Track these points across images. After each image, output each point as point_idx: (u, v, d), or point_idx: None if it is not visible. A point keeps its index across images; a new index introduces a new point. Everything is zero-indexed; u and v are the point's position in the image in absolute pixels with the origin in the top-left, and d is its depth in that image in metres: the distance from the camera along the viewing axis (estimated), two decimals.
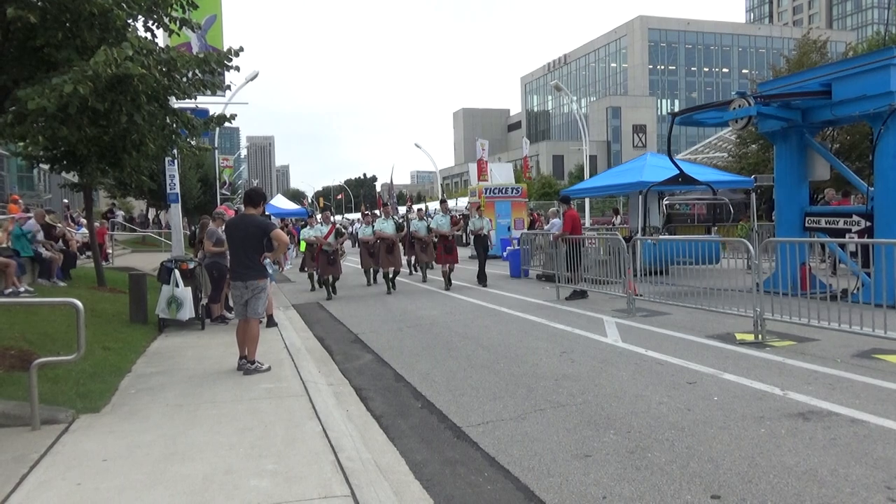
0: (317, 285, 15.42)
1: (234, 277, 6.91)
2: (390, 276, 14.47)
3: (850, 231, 10.49)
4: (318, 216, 16.07)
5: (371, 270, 16.13)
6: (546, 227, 18.24)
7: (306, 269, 16.60)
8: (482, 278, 14.91)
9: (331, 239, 13.91)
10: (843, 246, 10.77)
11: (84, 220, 18.38)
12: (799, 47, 27.55)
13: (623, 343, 7.88)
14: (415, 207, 21.91)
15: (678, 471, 4.02)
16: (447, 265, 14.58)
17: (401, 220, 15.90)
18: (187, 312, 9.10)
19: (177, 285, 9.03)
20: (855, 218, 10.53)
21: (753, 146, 26.03)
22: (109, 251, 21.13)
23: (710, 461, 4.14)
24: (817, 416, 4.89)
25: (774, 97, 11.22)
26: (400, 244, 14.93)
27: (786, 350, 7.16)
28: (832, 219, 11.12)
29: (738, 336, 7.92)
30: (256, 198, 7.12)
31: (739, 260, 10.64)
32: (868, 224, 10.15)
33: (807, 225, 11.38)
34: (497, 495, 3.86)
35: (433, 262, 15.82)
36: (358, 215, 31.69)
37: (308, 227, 15.79)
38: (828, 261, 13.10)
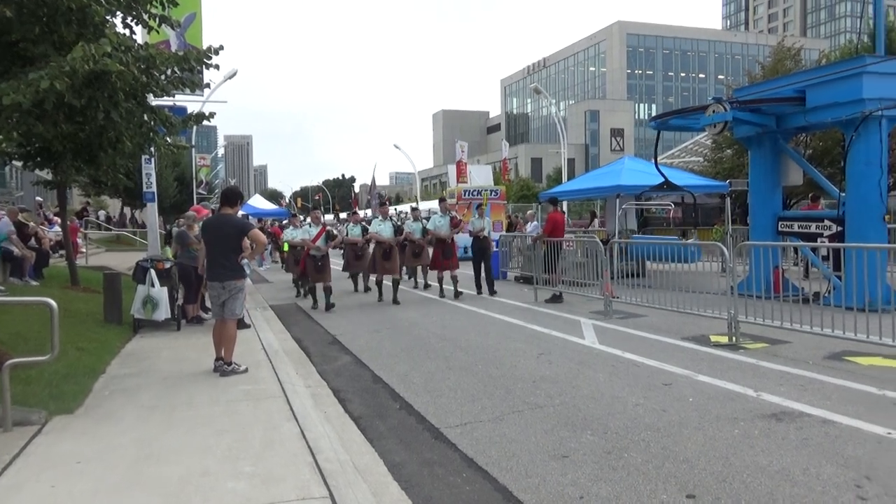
0: (305, 292, 14.08)
1: (210, 278, 6.84)
2: (386, 282, 12.87)
3: (821, 235, 10.70)
4: (307, 217, 15.40)
5: (359, 276, 14.90)
6: (528, 230, 18.34)
7: (292, 273, 15.19)
8: (490, 285, 13.29)
9: (320, 242, 12.22)
10: (815, 250, 10.98)
11: (57, 219, 18.06)
12: (774, 54, 27.99)
13: (600, 345, 7.95)
14: (409, 206, 20.97)
15: (654, 471, 4.08)
16: (445, 272, 13.08)
17: (399, 223, 14.15)
18: (163, 313, 8.98)
19: (152, 285, 8.92)
20: (827, 222, 10.74)
21: (728, 151, 26.38)
22: (83, 250, 20.82)
23: (686, 461, 4.20)
24: (790, 417, 4.99)
25: (749, 103, 11.41)
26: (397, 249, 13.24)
27: (759, 352, 7.29)
28: (805, 223, 11.34)
29: (713, 338, 8.03)
30: (233, 197, 7.05)
31: (714, 263, 10.80)
32: (839, 228, 10.36)
33: (780, 229, 11.58)
34: (475, 496, 3.87)
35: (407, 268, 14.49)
36: (330, 216, 31.10)
37: (292, 227, 14.77)
38: (800, 264, 13.34)
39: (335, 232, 13.19)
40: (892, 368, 6.33)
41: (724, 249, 8.45)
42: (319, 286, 12.23)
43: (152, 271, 8.98)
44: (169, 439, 4.67)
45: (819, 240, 10.71)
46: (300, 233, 13.47)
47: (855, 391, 5.63)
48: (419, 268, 14.89)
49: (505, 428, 4.99)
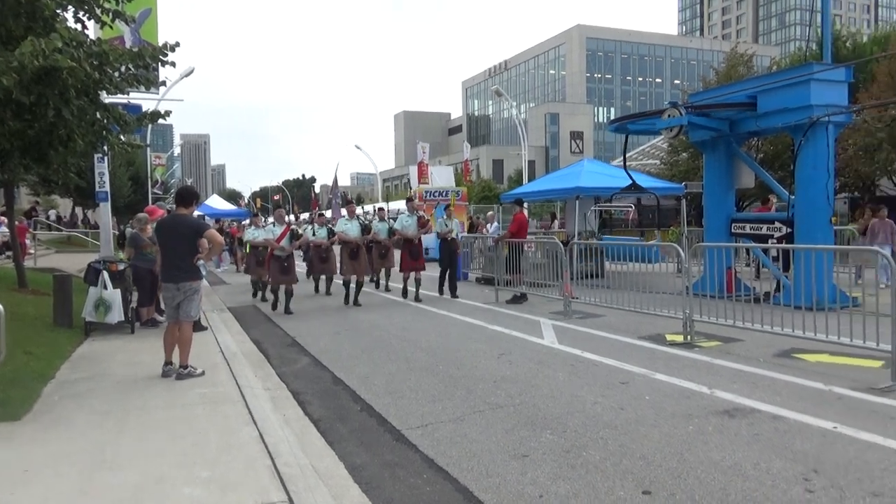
0: (263, 294, 13.65)
1: (165, 279, 6.68)
2: (352, 285, 12.36)
3: (772, 237, 11.03)
4: (270, 217, 15.16)
5: (322, 278, 14.52)
6: (490, 231, 18.43)
7: (251, 274, 14.56)
8: (452, 288, 13.05)
9: (285, 242, 11.80)
10: (766, 251, 11.31)
11: (3, 219, 17.46)
12: (727, 60, 28.79)
13: (559, 345, 8.05)
14: (375, 206, 20.47)
15: (612, 468, 4.15)
16: (412, 273, 12.73)
17: (367, 222, 13.72)
18: (116, 316, 8.76)
19: (105, 287, 8.69)
20: (777, 224, 11.08)
21: (684, 154, 27.03)
22: (32, 251, 20.15)
23: (642, 458, 4.29)
24: (742, 413, 5.13)
25: (704, 108, 11.70)
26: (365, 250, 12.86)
27: (713, 350, 7.47)
28: (756, 225, 11.67)
29: (669, 337, 8.21)
30: (189, 197, 6.92)
31: (670, 264, 11.03)
32: (789, 230, 10.70)
33: (733, 231, 11.90)
34: (436, 497, 3.88)
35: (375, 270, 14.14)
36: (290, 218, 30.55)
37: (253, 227, 14.25)
38: (752, 265, 13.73)
39: (300, 231, 12.89)
40: (838, 365, 6.57)
41: (680, 250, 8.65)
42: (282, 288, 11.83)
43: (105, 273, 8.76)
44: (123, 445, 4.56)
45: (770, 241, 11.04)
46: (263, 233, 13.00)
47: (803, 387, 5.82)
48: (382, 270, 14.52)
49: (466, 428, 5.01)
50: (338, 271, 13.05)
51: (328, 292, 14.35)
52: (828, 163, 10.43)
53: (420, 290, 12.63)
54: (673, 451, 4.39)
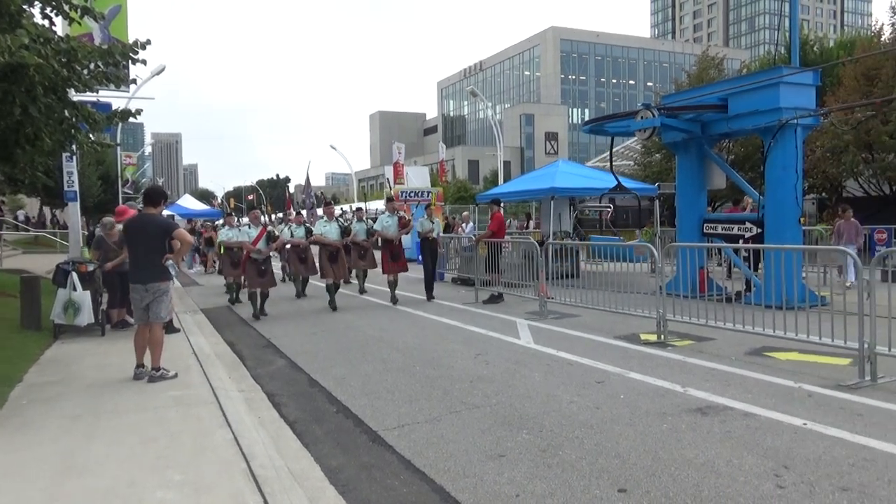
0: (238, 298, 13.26)
1: (133, 280, 6.57)
2: (334, 287, 11.94)
3: (743, 237, 11.21)
4: (244, 218, 14.86)
5: (300, 279, 14.22)
6: (467, 231, 18.44)
7: (225, 277, 14.05)
8: (429, 289, 12.80)
9: (261, 244, 11.28)
10: (737, 251, 11.49)
11: None
12: (699, 63, 29.18)
13: (535, 345, 8.08)
14: (352, 207, 19.69)
15: (587, 467, 4.18)
16: (394, 275, 12.44)
17: (346, 223, 13.16)
18: (86, 318, 8.59)
19: (74, 288, 8.53)
20: (748, 225, 11.26)
21: (657, 155, 27.33)
22: None
23: (617, 456, 4.32)
24: (714, 411, 5.20)
25: (676, 109, 11.86)
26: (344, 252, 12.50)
27: (686, 349, 7.57)
28: (727, 225, 11.85)
29: (643, 336, 8.29)
30: (157, 197, 6.83)
31: (644, 264, 11.15)
32: (759, 230, 10.88)
33: (705, 231, 12.07)
34: (413, 498, 3.87)
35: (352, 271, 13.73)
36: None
37: (227, 227, 13.66)
38: (723, 265, 13.93)
39: (277, 233, 12.36)
40: (808, 363, 6.70)
41: (654, 250, 8.75)
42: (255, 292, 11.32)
43: (74, 274, 8.59)
44: (93, 449, 4.47)
45: (741, 241, 11.22)
46: (237, 234, 12.51)
47: (774, 385, 5.92)
48: (361, 272, 14.27)
49: (442, 429, 5.01)
50: (318, 273, 12.76)
51: (301, 294, 14.08)
52: (796, 164, 10.64)
53: (396, 292, 12.44)
54: (647, 449, 4.44)
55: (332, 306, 11.73)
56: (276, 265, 15.29)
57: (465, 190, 54.30)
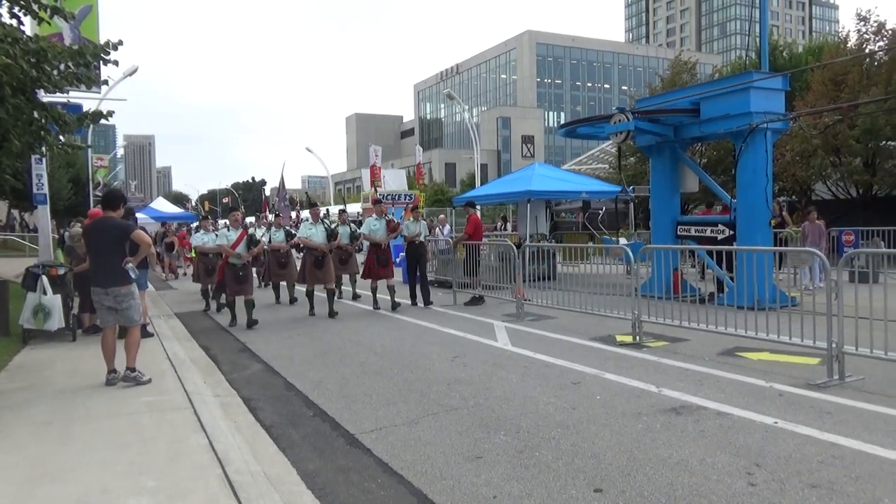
0: (216, 305, 12.63)
1: (94, 283, 6.52)
2: (320, 294, 11.45)
3: (716, 239, 11.38)
4: (221, 220, 14.43)
5: (283, 285, 13.51)
6: (446, 234, 18.44)
7: (200, 283, 13.53)
8: (426, 294, 12.18)
9: (241, 249, 10.42)
10: (710, 252, 11.66)
11: None
12: (672, 67, 29.60)
13: (512, 347, 8.12)
14: (336, 208, 17.64)
15: (564, 467, 4.21)
16: (381, 280, 11.82)
17: (333, 226, 12.39)
18: (56, 322, 8.43)
19: (44, 293, 8.37)
20: (720, 227, 11.44)
21: (632, 159, 27.64)
22: None
23: (593, 457, 4.36)
24: (688, 411, 5.28)
25: (650, 113, 12.01)
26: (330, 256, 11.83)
27: (660, 350, 7.66)
28: (700, 227, 12.03)
29: (619, 338, 8.38)
30: (115, 200, 6.76)
31: (620, 266, 11.25)
32: (731, 233, 11.06)
33: (678, 233, 12.23)
34: (391, 500, 3.87)
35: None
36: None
37: (202, 231, 13.39)
38: (697, 266, 14.13)
39: (258, 237, 11.61)
40: (779, 362, 6.83)
41: (629, 252, 8.84)
42: (240, 299, 10.62)
43: (44, 278, 8.43)
44: (65, 456, 4.39)
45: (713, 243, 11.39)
46: (213, 237, 11.91)
47: (746, 384, 6.02)
48: (350, 278, 13.63)
49: (420, 431, 5.01)
50: (298, 278, 12.23)
51: (292, 300, 13.33)
52: (767, 168, 10.83)
53: (396, 298, 11.67)
54: (623, 449, 4.49)
55: (313, 312, 11.35)
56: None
57: (443, 193, 54.37)
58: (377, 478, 4.19)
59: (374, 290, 11.99)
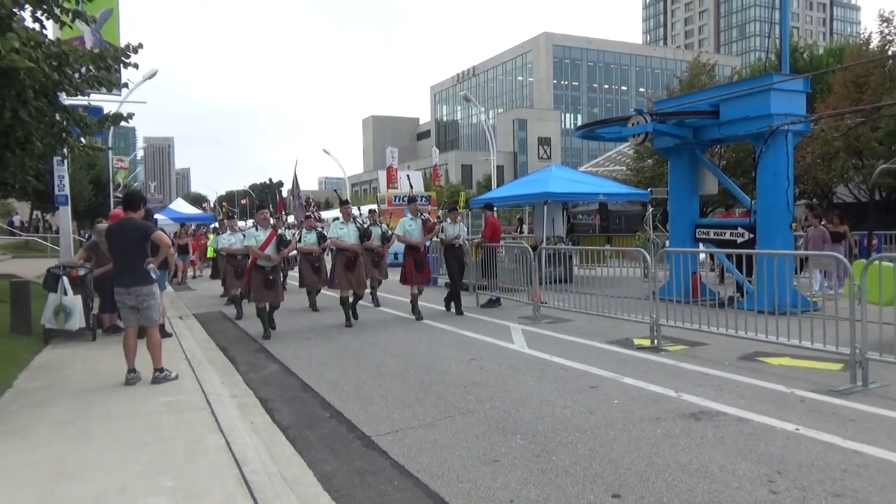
0: (241, 311, 11.90)
1: (116, 284, 6.62)
2: (350, 300, 10.51)
3: (735, 242, 11.26)
4: (242, 222, 13.92)
5: (315, 291, 12.61)
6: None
7: (228, 288, 12.83)
8: (457, 302, 11.34)
9: (270, 250, 9.54)
10: (729, 256, 11.54)
11: None
12: (690, 69, 29.36)
13: (529, 349, 8.08)
14: (365, 209, 16.44)
15: (581, 472, 4.17)
16: (417, 286, 10.91)
17: (366, 225, 11.48)
18: (77, 322, 8.54)
19: (65, 293, 8.46)
20: (740, 230, 11.31)
21: (650, 161, 27.46)
22: None
23: (611, 462, 4.32)
24: (707, 416, 5.21)
25: (669, 115, 11.92)
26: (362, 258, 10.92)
27: (679, 354, 7.58)
28: (720, 231, 11.91)
29: (636, 341, 8.30)
30: (135, 201, 6.83)
31: (637, 269, 11.18)
32: (751, 236, 10.93)
33: (697, 236, 12.11)
34: (407, 503, 3.85)
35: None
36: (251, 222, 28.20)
37: (228, 231, 12.74)
38: (716, 270, 13.98)
39: (288, 237, 10.60)
40: (800, 368, 6.73)
41: (647, 255, 8.77)
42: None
43: (65, 279, 8.53)
44: (84, 455, 4.43)
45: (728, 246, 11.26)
46: (240, 238, 11.20)
47: (767, 390, 5.94)
48: (374, 282, 12.68)
49: (436, 434, 5.00)
50: (329, 284, 11.38)
51: (312, 305, 12.57)
52: (787, 170, 10.70)
53: (418, 303, 11.00)
54: (641, 454, 4.44)
55: (348, 322, 10.38)
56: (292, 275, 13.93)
57: (458, 194, 54.33)
58: (393, 480, 4.18)
59: (413, 298, 10.95)
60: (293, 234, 12.95)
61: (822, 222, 13.03)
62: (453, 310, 11.39)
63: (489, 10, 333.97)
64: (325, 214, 35.82)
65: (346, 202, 11.64)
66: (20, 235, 31.23)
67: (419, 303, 10.96)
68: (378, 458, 4.59)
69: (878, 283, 6.44)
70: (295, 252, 12.13)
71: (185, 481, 3.96)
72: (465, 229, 12.61)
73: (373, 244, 11.39)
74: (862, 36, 27.01)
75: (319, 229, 12.54)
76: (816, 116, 15.42)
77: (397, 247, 13.83)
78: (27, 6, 7.27)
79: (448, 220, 11.95)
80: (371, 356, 8.02)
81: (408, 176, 27.47)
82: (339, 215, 11.48)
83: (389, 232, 12.09)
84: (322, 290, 13.04)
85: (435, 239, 12.37)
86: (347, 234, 10.64)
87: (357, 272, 10.55)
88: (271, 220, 11.22)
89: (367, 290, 11.76)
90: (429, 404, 5.81)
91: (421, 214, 11.36)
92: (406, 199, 12.90)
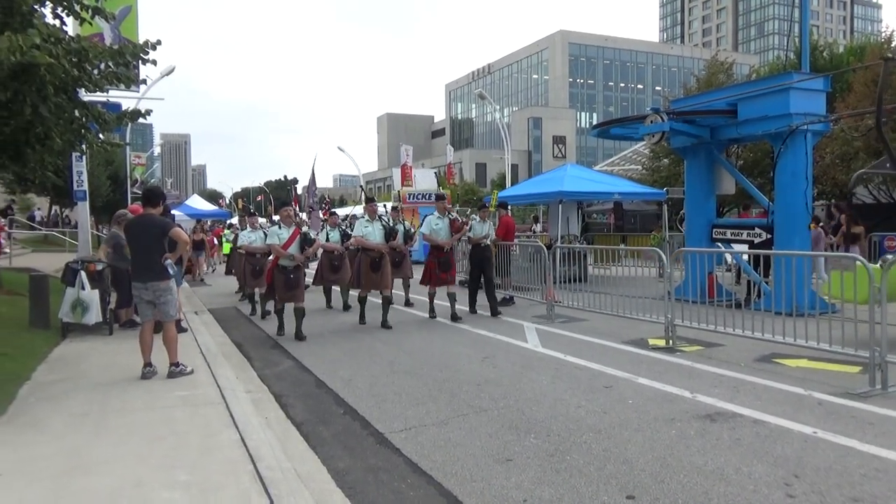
0: (259, 310, 11.57)
1: (134, 279, 6.68)
2: (374, 301, 10.27)
3: (752, 242, 11.15)
4: (267, 219, 13.05)
5: (332, 290, 12.42)
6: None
7: (245, 285, 12.55)
8: (493, 302, 10.93)
9: (293, 249, 9.16)
10: (746, 256, 11.42)
11: None
12: (708, 68, 29.09)
13: (543, 348, 8.05)
14: (388, 206, 15.66)
15: (595, 472, 4.15)
16: (439, 287, 10.58)
17: (392, 223, 10.93)
18: (94, 316, 8.62)
19: (83, 287, 8.55)
20: (757, 230, 11.20)
21: (665, 160, 27.23)
22: (7, 251, 19.80)
23: (626, 462, 4.29)
24: (723, 418, 5.16)
25: (685, 114, 11.81)
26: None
27: (694, 355, 7.52)
28: (736, 231, 11.79)
29: (651, 341, 8.25)
30: (155, 197, 6.88)
31: (652, 268, 11.11)
32: (769, 236, 10.82)
33: (714, 236, 12.01)
34: (420, 501, 3.85)
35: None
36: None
37: (249, 228, 12.40)
38: (732, 270, 13.84)
39: (312, 235, 10.02)
40: (818, 370, 6.65)
41: (662, 255, 8.70)
42: (288, 306, 9.48)
43: (83, 273, 8.62)
44: (99, 448, 4.47)
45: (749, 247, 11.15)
46: (262, 236, 10.91)
47: (783, 392, 5.87)
48: (403, 282, 12.37)
49: (449, 432, 4.99)
50: (351, 283, 10.87)
51: (346, 306, 12.15)
52: (806, 170, 10.58)
53: (457, 307, 10.57)
54: (656, 455, 4.41)
55: (363, 321, 10.20)
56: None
57: (473, 193, 54.30)
58: (406, 478, 4.18)
59: (431, 297, 10.78)
60: (316, 234, 12.33)
61: (821, 224, 12.89)
62: (486, 312, 10.90)
63: (505, 8, 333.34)
64: (340, 212, 35.84)
65: (372, 199, 11.22)
66: (40, 230, 31.58)
67: (457, 305, 10.54)
68: (391, 455, 4.59)
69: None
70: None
71: (199, 475, 3.98)
72: (493, 227, 12.07)
73: (397, 243, 10.91)
74: (883, 34, 26.61)
75: (343, 227, 12.19)
76: (836, 116, 15.22)
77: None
78: (48, 3, 7.36)
79: (477, 217, 11.46)
80: (384, 353, 8.03)
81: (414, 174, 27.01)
82: (364, 213, 10.87)
83: (413, 230, 11.65)
84: (337, 290, 12.64)
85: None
86: (372, 233, 10.20)
87: (382, 272, 10.17)
88: (297, 217, 10.78)
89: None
90: (442, 402, 5.81)
91: (449, 213, 10.90)
92: (434, 196, 11.77)
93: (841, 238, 13.76)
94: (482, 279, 11.08)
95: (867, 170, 10.02)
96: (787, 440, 4.63)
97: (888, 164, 10.52)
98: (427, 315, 10.80)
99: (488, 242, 11.24)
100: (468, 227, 11.02)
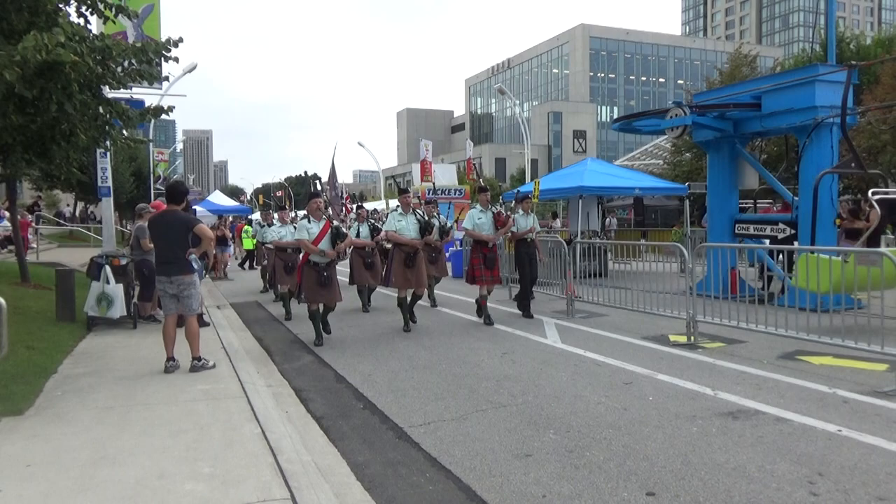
0: (288, 311, 10.98)
1: (158, 273, 6.77)
2: (408, 300, 9.42)
3: (776, 238, 10.99)
4: (299, 212, 12.43)
5: (367, 289, 11.57)
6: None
7: (277, 283, 11.74)
8: (525, 303, 10.28)
9: (324, 244, 8.40)
10: (769, 252, 11.27)
11: (6, 213, 17.46)
12: (731, 61, 28.75)
13: (562, 344, 8.02)
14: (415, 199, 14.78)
15: (615, 469, 4.13)
16: (487, 286, 9.69)
17: (430, 218, 10.15)
18: (118, 310, 8.75)
19: (107, 282, 8.69)
20: (781, 225, 11.04)
21: (687, 154, 27.00)
22: (34, 245, 20.16)
23: (646, 459, 4.26)
24: (745, 415, 5.10)
25: (708, 108, 11.66)
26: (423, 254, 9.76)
27: (716, 351, 7.44)
28: (760, 226, 11.63)
29: (672, 337, 8.18)
30: (178, 194, 6.96)
31: (673, 264, 10.99)
32: (793, 231, 10.66)
33: (736, 231, 11.86)
34: (439, 495, 3.86)
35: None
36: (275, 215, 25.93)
37: (279, 223, 11.97)
38: (756, 266, 13.65)
39: (344, 230, 9.18)
40: (843, 367, 6.54)
41: (684, 250, 8.62)
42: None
43: (107, 268, 8.75)
44: (124, 441, 4.54)
45: (771, 242, 10.99)
46: (291, 230, 10.43)
47: (807, 389, 5.79)
48: (431, 280, 11.43)
49: (468, 427, 5.00)
50: (385, 282, 9.85)
51: (365, 308, 11.50)
52: (832, 164, 10.39)
53: (489, 308, 9.87)
54: (677, 452, 4.37)
55: (407, 326, 9.31)
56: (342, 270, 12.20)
57: (492, 188, 54.17)
58: (426, 472, 4.20)
59: (483, 299, 9.76)
60: (348, 227, 11.93)
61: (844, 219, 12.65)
62: (539, 316, 10.19)
63: (525, 2, 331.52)
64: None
65: (406, 191, 10.11)
66: (66, 225, 32.14)
67: (489, 304, 9.84)
68: (410, 449, 4.61)
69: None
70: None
71: (221, 468, 4.03)
72: (537, 221, 11.15)
73: (433, 238, 10.15)
74: None
75: (372, 221, 11.52)
76: (863, 109, 14.96)
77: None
78: (72, 2, 7.46)
79: (520, 210, 10.53)
80: (403, 348, 8.05)
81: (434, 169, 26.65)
82: (398, 205, 9.89)
83: (448, 224, 10.99)
84: (377, 289, 12.06)
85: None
86: (406, 228, 9.31)
87: (417, 270, 9.31)
88: (327, 210, 9.94)
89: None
90: (461, 397, 5.81)
91: (492, 207, 10.09)
92: (480, 188, 10.83)
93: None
94: (526, 277, 10.36)
95: (831, 169, 9.78)
96: (810, 438, 4.57)
97: (853, 164, 10.31)
98: (481, 321, 9.74)
99: (533, 237, 10.51)
100: (512, 222, 10.15)
